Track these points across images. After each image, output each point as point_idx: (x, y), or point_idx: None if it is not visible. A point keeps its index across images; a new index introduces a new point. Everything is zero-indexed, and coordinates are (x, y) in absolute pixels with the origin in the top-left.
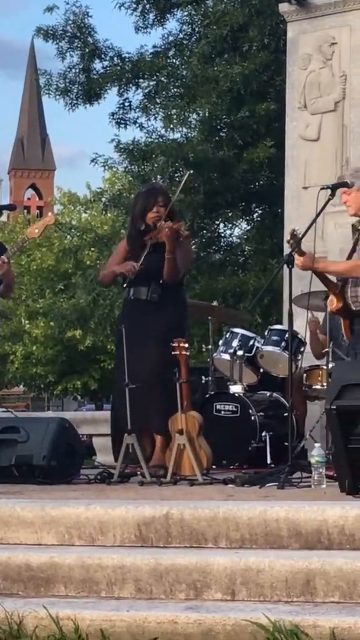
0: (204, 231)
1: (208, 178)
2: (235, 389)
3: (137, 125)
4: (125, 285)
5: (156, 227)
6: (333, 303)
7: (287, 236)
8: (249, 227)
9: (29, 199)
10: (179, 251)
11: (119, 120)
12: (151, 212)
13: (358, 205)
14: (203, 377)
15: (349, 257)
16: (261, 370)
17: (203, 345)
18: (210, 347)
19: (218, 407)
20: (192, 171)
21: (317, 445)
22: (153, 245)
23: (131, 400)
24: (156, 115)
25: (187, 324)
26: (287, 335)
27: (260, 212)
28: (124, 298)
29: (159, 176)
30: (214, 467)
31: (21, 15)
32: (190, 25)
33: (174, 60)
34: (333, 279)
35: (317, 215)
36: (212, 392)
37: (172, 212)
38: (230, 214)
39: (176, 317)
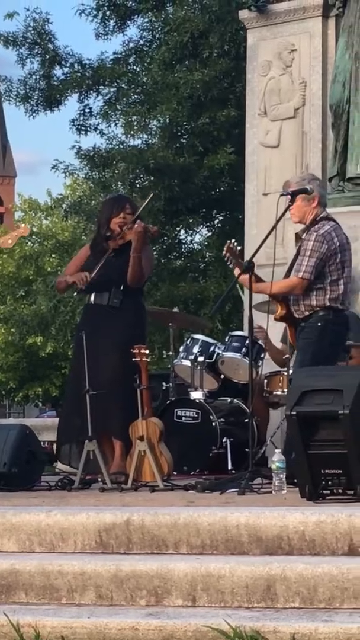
0: (165, 237)
1: (169, 184)
2: (196, 395)
3: (98, 131)
4: (76, 293)
5: (121, 231)
6: (277, 311)
7: (228, 249)
8: (209, 234)
9: None
10: (144, 257)
11: (79, 127)
12: (117, 217)
13: (301, 214)
14: (164, 384)
15: (291, 265)
16: (222, 376)
17: (164, 352)
18: (171, 353)
19: (179, 413)
20: (156, 192)
21: (277, 451)
22: (115, 251)
23: (91, 406)
24: (117, 122)
25: (146, 330)
26: (247, 342)
27: (221, 218)
28: (84, 304)
29: (119, 183)
30: (174, 473)
31: None
32: (150, 32)
33: (135, 67)
34: None
35: (277, 221)
36: (173, 399)
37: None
38: (191, 221)
39: (136, 323)
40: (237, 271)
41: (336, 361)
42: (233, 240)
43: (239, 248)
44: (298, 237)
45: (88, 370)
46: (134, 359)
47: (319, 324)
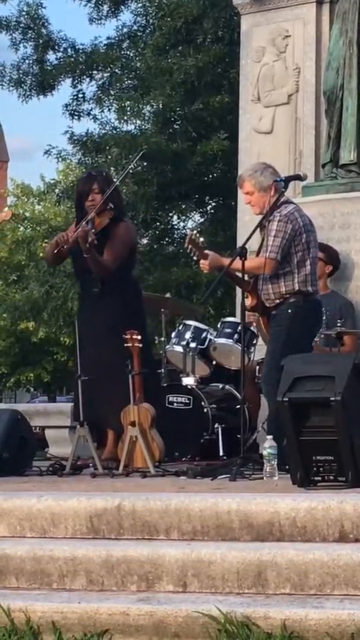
0: (157, 223)
1: (162, 170)
2: (188, 381)
3: (91, 117)
4: (55, 251)
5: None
6: (248, 300)
7: (189, 240)
8: (202, 220)
9: None
10: (110, 241)
11: (72, 112)
12: (87, 200)
13: (262, 205)
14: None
15: (258, 253)
16: (214, 362)
17: (156, 338)
18: (162, 339)
19: (171, 399)
20: (145, 148)
21: (269, 437)
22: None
23: (83, 392)
24: (110, 107)
25: (141, 309)
26: (239, 328)
27: (213, 204)
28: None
29: (112, 168)
30: (166, 459)
31: None
32: (144, 17)
33: (128, 52)
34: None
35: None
36: (165, 384)
37: (113, 197)
38: (183, 206)
39: (126, 305)
40: (202, 262)
41: (308, 348)
42: (194, 232)
43: (201, 240)
44: (263, 226)
45: (80, 357)
46: (125, 345)
47: (289, 310)
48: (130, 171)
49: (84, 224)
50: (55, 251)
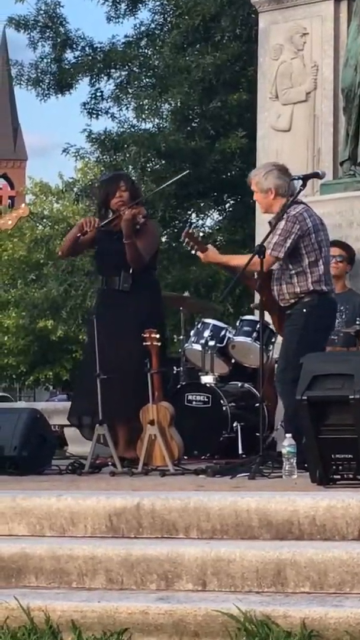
0: (176, 221)
1: (180, 168)
2: (207, 379)
3: (109, 115)
4: (79, 235)
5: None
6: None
7: (186, 234)
8: (220, 218)
9: (0, 188)
10: (142, 235)
11: (90, 111)
12: (115, 197)
13: (265, 206)
14: (175, 368)
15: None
16: (232, 360)
17: (175, 336)
18: (181, 337)
19: (189, 397)
20: (167, 175)
21: (288, 435)
22: (119, 233)
23: (104, 390)
24: (128, 106)
25: (161, 311)
26: (258, 326)
27: (232, 202)
28: (97, 288)
29: (130, 166)
30: (185, 457)
31: None
32: (162, 15)
33: (146, 50)
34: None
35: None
36: (184, 383)
37: (136, 197)
38: (202, 204)
39: (151, 304)
40: (200, 254)
41: (322, 347)
42: (192, 227)
43: (201, 234)
44: (271, 224)
45: (100, 355)
46: (144, 343)
47: (304, 310)
48: (149, 169)
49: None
50: (79, 235)
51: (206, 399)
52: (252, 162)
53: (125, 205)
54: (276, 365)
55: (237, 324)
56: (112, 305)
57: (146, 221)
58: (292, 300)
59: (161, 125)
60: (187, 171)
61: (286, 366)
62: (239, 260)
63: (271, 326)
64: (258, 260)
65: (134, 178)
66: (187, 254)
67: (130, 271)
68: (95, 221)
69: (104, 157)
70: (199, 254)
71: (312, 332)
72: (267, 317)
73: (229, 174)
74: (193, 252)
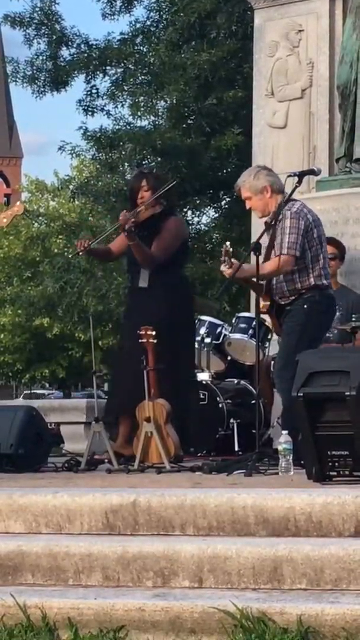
0: None
1: (175, 165)
2: (203, 376)
3: (105, 112)
4: (80, 253)
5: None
6: (261, 303)
7: (226, 252)
8: (216, 215)
9: None
10: (160, 233)
11: (86, 108)
12: (138, 197)
13: (262, 207)
14: None
15: (267, 252)
16: (229, 357)
17: None
18: None
19: None
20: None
21: (284, 432)
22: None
23: (113, 385)
24: (123, 103)
25: (185, 308)
26: (254, 323)
27: (228, 199)
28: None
29: (126, 164)
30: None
31: None
32: (157, 12)
33: (142, 48)
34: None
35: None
36: None
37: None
38: (198, 202)
39: (170, 303)
40: (227, 271)
41: (321, 343)
42: (228, 243)
43: (230, 250)
44: (268, 225)
45: (123, 351)
46: (140, 341)
47: (305, 306)
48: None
49: (126, 212)
50: (80, 253)
51: (202, 396)
52: (247, 159)
53: (143, 203)
54: (273, 362)
55: (233, 321)
56: (133, 303)
57: (165, 218)
58: (292, 297)
59: (157, 122)
60: (175, 181)
61: (286, 363)
62: (267, 268)
63: (267, 323)
64: (279, 260)
65: (128, 176)
66: None
67: (150, 269)
68: (84, 242)
69: (100, 154)
70: (226, 270)
71: (312, 329)
72: (263, 315)
73: (224, 171)
74: (223, 267)
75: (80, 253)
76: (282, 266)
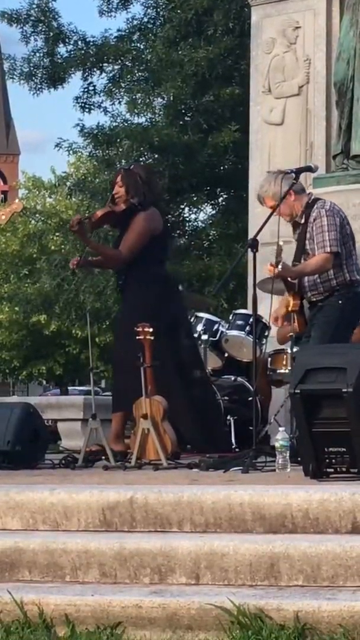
0: (169, 215)
1: (173, 162)
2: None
3: (102, 109)
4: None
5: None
6: (290, 303)
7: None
8: (214, 212)
9: None
10: (128, 231)
11: (83, 105)
12: (114, 192)
13: (290, 211)
14: None
15: (299, 253)
16: (226, 354)
17: None
18: None
19: None
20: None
21: (281, 429)
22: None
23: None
24: (121, 100)
25: (148, 306)
26: (251, 320)
27: (225, 196)
28: None
29: (123, 160)
30: (186, 449)
31: None
32: (154, 9)
33: (139, 45)
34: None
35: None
36: None
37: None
38: (195, 198)
39: (140, 299)
40: (273, 269)
41: (349, 339)
42: (281, 242)
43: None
44: (297, 223)
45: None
46: (137, 337)
47: (340, 302)
48: (142, 163)
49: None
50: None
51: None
52: (245, 156)
53: (121, 199)
54: (270, 359)
55: (230, 317)
56: (121, 301)
57: (133, 215)
58: (327, 293)
59: (154, 119)
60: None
61: None
62: (311, 267)
63: (264, 320)
64: (324, 258)
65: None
66: (180, 248)
67: (115, 268)
68: (76, 259)
69: (97, 151)
70: (272, 268)
71: (345, 325)
72: (260, 311)
73: (222, 167)
74: (271, 264)
75: (76, 270)
76: (325, 264)
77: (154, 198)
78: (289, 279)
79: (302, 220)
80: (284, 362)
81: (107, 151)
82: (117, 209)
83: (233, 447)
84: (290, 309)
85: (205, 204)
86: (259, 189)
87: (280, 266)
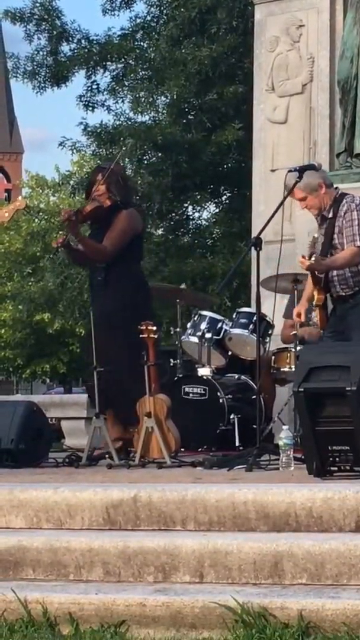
0: (173, 214)
1: (176, 161)
2: (204, 371)
3: (105, 108)
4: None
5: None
6: (315, 297)
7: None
8: (217, 210)
9: None
10: (111, 227)
11: (86, 103)
12: (93, 189)
13: (319, 204)
14: (171, 360)
15: (326, 247)
16: (229, 353)
17: (171, 328)
18: (178, 330)
19: (186, 389)
20: (124, 148)
21: (285, 427)
22: (92, 225)
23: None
24: (124, 98)
25: (140, 301)
26: (255, 318)
27: (228, 194)
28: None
29: (127, 159)
30: (182, 449)
31: None
32: (157, 8)
33: (142, 43)
34: None
35: (285, 197)
36: (181, 375)
37: (116, 187)
38: (198, 197)
39: (123, 296)
40: (307, 263)
41: None
42: (316, 235)
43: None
44: (324, 218)
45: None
46: (141, 336)
47: None
48: (145, 162)
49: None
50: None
51: (203, 391)
52: (248, 155)
53: (103, 197)
54: (274, 358)
55: (234, 316)
56: (94, 298)
57: (117, 212)
58: (357, 287)
59: (157, 117)
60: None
61: None
62: (337, 263)
63: (268, 318)
64: (357, 250)
65: (130, 171)
66: (184, 246)
67: (104, 264)
68: (61, 237)
69: (100, 150)
70: (304, 261)
71: None
72: (263, 309)
73: (225, 166)
74: (304, 257)
75: (59, 248)
76: (355, 257)
77: (131, 198)
78: (316, 272)
79: (330, 215)
80: (288, 361)
81: (110, 150)
82: (104, 204)
83: (237, 445)
84: (315, 303)
85: (209, 202)
86: (287, 180)
87: (313, 258)
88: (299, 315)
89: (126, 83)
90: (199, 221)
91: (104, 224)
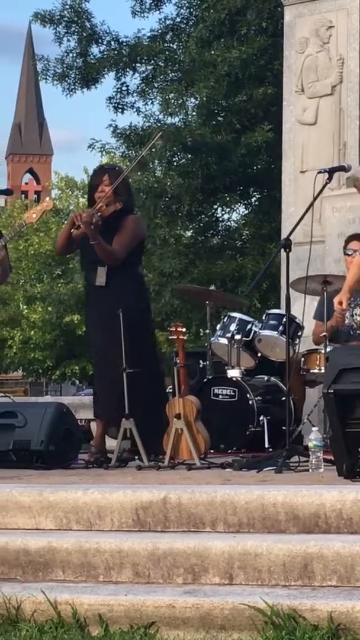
0: (202, 215)
1: (206, 162)
2: (233, 373)
3: (135, 109)
4: (72, 230)
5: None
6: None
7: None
8: (247, 212)
9: (26, 183)
10: (119, 231)
11: (116, 105)
12: (97, 191)
13: None
14: (201, 362)
15: None
16: (259, 354)
17: (201, 330)
18: (207, 331)
19: (216, 391)
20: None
21: (314, 429)
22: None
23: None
24: (154, 100)
25: (143, 305)
26: (284, 320)
27: (258, 196)
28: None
29: (156, 161)
30: (211, 451)
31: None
32: (187, 9)
33: (172, 45)
34: None
35: (315, 199)
36: (210, 377)
37: (122, 191)
38: (228, 198)
39: (127, 300)
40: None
41: None
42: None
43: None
44: None
45: (97, 350)
46: (171, 337)
47: None
48: (175, 164)
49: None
50: (72, 230)
51: (232, 393)
52: (278, 156)
53: (109, 199)
54: (303, 359)
55: (263, 317)
56: (93, 301)
57: (124, 216)
58: None
59: (187, 119)
60: (160, 133)
61: None
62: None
63: (297, 320)
64: None
65: (159, 172)
66: (214, 248)
67: (107, 267)
68: (83, 215)
69: (130, 152)
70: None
71: None
72: (293, 311)
73: (255, 167)
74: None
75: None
76: None
77: (134, 202)
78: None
79: None
80: (317, 362)
81: (139, 151)
82: (117, 207)
83: (266, 447)
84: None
85: (239, 203)
86: (356, 172)
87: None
88: (340, 303)
89: (156, 85)
90: (229, 222)
91: (111, 227)
